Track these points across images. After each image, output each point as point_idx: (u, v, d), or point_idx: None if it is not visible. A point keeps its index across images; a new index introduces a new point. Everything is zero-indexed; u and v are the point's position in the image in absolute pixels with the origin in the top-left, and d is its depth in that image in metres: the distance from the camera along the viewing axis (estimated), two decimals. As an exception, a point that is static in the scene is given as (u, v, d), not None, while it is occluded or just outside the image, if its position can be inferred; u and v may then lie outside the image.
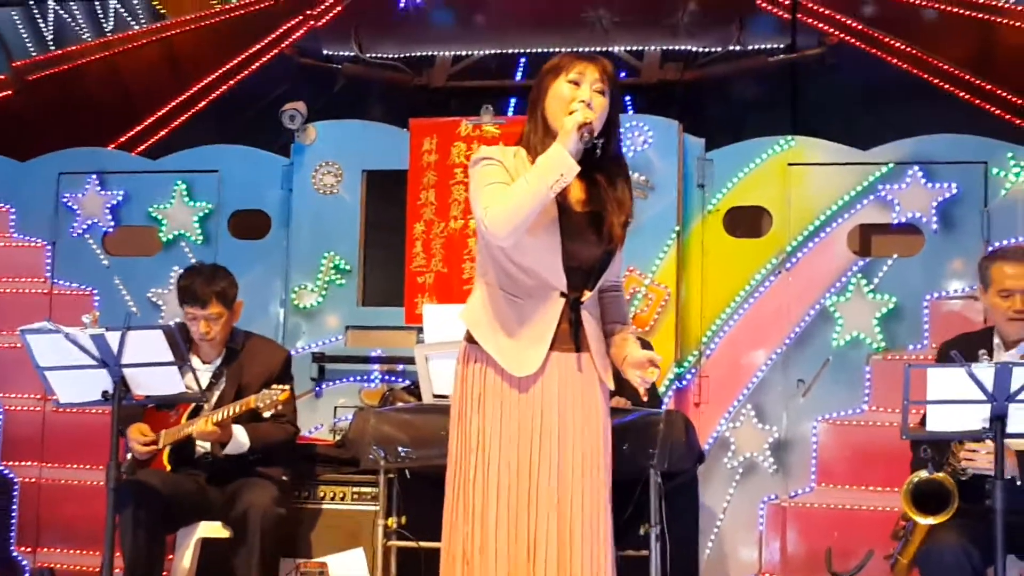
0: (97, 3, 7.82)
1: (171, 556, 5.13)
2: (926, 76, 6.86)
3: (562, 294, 3.61)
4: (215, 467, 5.08)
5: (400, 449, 4.48)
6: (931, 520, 4.32)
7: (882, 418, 5.85)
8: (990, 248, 5.60)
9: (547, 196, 3.48)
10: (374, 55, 7.52)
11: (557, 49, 7.14)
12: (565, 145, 3.48)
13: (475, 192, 3.60)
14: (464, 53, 7.43)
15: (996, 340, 4.53)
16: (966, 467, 4.25)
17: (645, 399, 3.88)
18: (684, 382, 6.10)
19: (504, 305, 3.62)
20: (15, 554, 6.51)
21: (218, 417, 4.87)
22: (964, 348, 4.36)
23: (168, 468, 5.03)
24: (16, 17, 7.83)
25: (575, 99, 3.55)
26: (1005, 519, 3.77)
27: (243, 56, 7.56)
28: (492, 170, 3.59)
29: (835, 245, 6.07)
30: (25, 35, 7.83)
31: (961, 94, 6.81)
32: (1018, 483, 3.98)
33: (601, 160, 3.62)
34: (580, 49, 7.11)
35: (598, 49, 7.20)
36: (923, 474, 4.36)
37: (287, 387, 4.95)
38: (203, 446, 5.10)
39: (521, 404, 3.60)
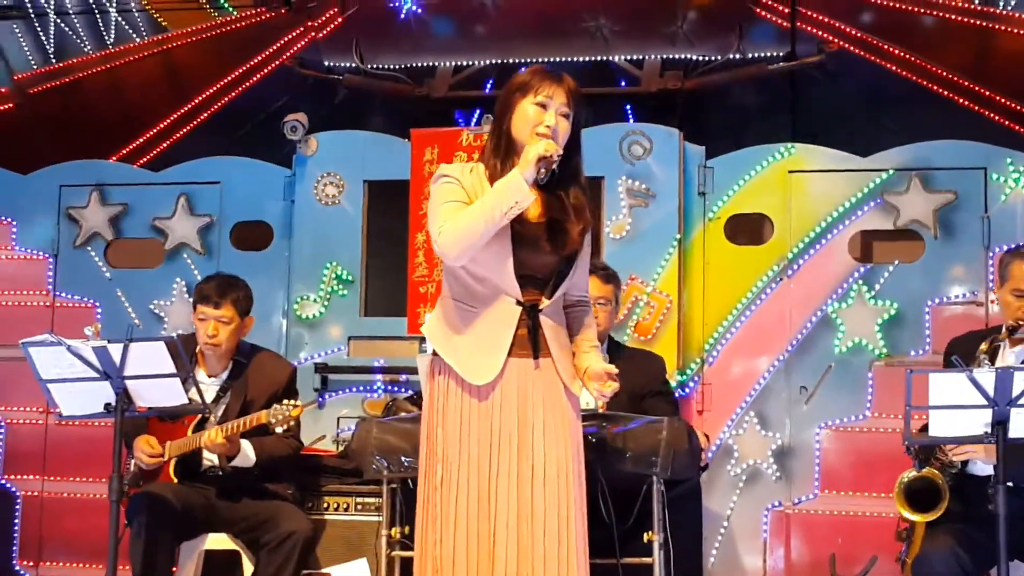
0: (98, 16, 7.83)
1: (175, 568, 5.13)
2: (925, 83, 6.87)
3: (518, 302, 3.64)
4: (225, 481, 5.09)
5: (403, 459, 4.48)
6: (925, 517, 4.35)
7: (885, 424, 5.85)
8: (1007, 247, 5.60)
9: (500, 221, 3.53)
10: (375, 66, 7.53)
11: (557, 58, 7.19)
12: (523, 173, 3.52)
13: (432, 210, 3.67)
14: (465, 63, 7.44)
15: (1004, 332, 4.52)
16: (956, 460, 4.28)
17: (603, 410, 3.92)
18: (687, 390, 6.10)
19: (462, 315, 3.69)
20: (17, 568, 6.51)
21: (228, 430, 4.89)
22: (973, 346, 4.37)
23: (175, 480, 5.05)
24: (18, 30, 7.85)
25: (540, 123, 3.58)
26: (1007, 524, 3.78)
27: (244, 68, 7.56)
28: (449, 189, 3.65)
29: (836, 252, 6.08)
30: (27, 48, 7.84)
31: (960, 100, 6.81)
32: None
33: (561, 174, 3.65)
34: (573, 58, 7.19)
35: (597, 58, 7.23)
36: (912, 473, 4.39)
37: (299, 403, 4.97)
38: (210, 459, 5.11)
39: (480, 412, 3.64)
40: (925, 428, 4.00)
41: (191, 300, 5.34)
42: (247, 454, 5.02)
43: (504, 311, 3.64)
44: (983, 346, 4.31)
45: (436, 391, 3.71)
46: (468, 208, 3.58)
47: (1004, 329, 4.47)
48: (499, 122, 3.68)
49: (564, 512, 3.60)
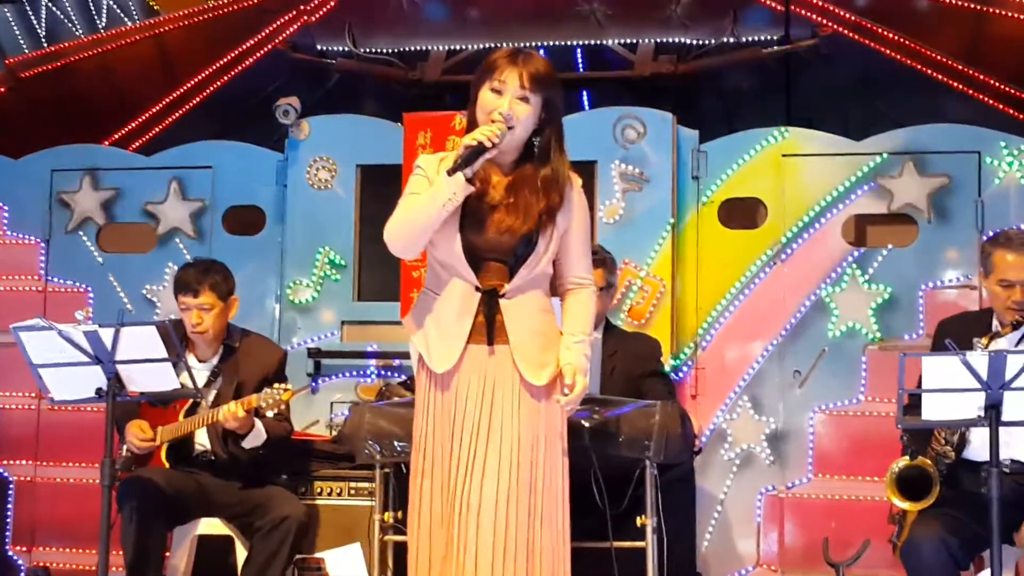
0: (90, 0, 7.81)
1: (167, 553, 5.12)
2: (919, 67, 6.86)
3: (477, 288, 3.61)
4: (217, 466, 5.09)
5: (396, 443, 4.47)
6: (915, 506, 4.35)
7: (878, 408, 5.85)
8: (991, 232, 5.59)
9: (439, 214, 3.51)
10: (368, 50, 7.51)
11: (551, 43, 7.17)
12: (463, 169, 3.48)
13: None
14: (458, 47, 7.41)
15: (995, 324, 4.52)
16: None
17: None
18: (680, 374, 6.10)
19: (429, 303, 3.68)
20: (10, 554, 6.51)
21: (246, 403, 4.87)
22: (962, 328, 4.37)
23: (166, 465, 5.04)
24: (9, 14, 7.82)
25: (495, 109, 3.55)
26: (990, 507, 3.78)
27: (237, 52, 7.54)
28: (415, 181, 3.65)
29: (830, 236, 6.07)
30: (18, 32, 7.81)
31: (954, 84, 6.81)
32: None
33: (539, 156, 3.62)
34: (567, 42, 7.17)
35: (590, 43, 7.21)
36: (905, 460, 4.39)
37: (289, 387, 4.97)
38: (202, 444, 5.11)
39: (444, 402, 3.63)
40: (914, 402, 3.99)
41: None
42: (260, 431, 5.02)
43: (463, 297, 3.61)
44: (983, 340, 4.27)
45: (418, 379, 3.73)
46: (412, 200, 3.58)
47: (1007, 324, 4.44)
48: (471, 110, 3.66)
49: (508, 507, 3.52)
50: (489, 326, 3.61)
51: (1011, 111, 6.66)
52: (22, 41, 7.82)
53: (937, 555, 4.18)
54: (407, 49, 7.48)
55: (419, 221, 3.54)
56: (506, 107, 3.55)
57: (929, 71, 6.85)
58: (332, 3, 7.46)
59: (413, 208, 3.57)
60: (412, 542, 3.66)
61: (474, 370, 3.61)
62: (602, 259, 5.27)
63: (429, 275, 3.72)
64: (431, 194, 3.53)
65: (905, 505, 4.38)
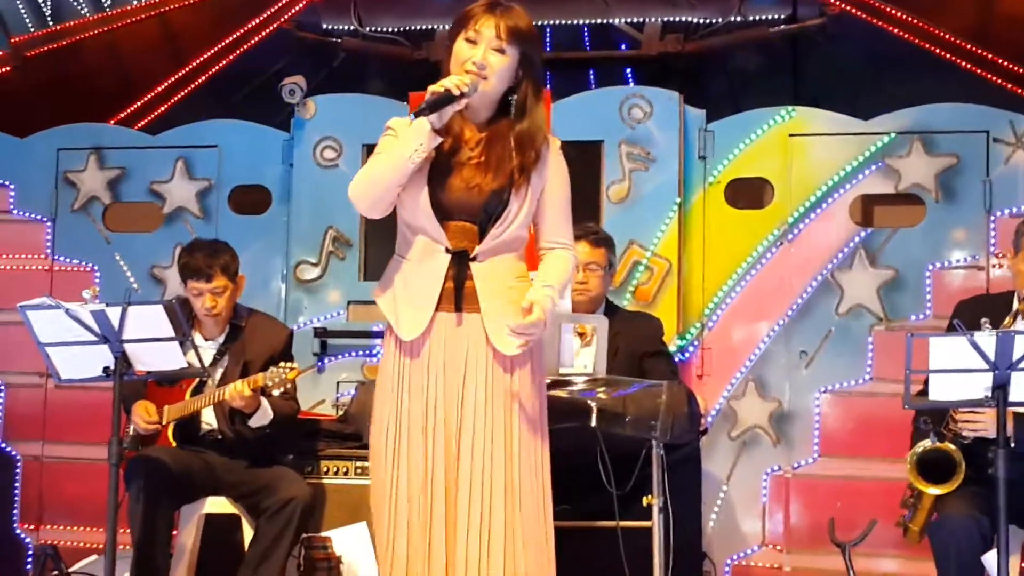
0: (95, -22, 7.78)
1: (175, 532, 5.14)
2: (927, 46, 6.82)
3: (447, 250, 3.48)
4: (223, 445, 5.09)
5: (402, 423, 4.47)
6: (938, 490, 4.34)
7: (885, 388, 5.84)
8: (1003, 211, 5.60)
9: (404, 167, 3.39)
10: (373, 29, 7.48)
11: (557, 21, 7.14)
12: (426, 114, 3.40)
13: None
14: (464, 26, 7.38)
15: (1016, 305, 4.51)
16: (967, 434, 4.27)
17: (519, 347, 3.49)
18: (687, 354, 6.09)
19: (400, 269, 3.54)
20: (18, 532, 6.53)
21: (253, 383, 4.87)
22: (983, 309, 4.35)
23: (173, 444, 5.05)
24: (14, -8, 7.80)
25: (468, 59, 3.45)
26: (1010, 489, 3.77)
27: (242, 31, 7.51)
28: (384, 141, 3.54)
29: (837, 216, 6.06)
30: (23, 11, 7.79)
31: (962, 63, 6.77)
32: (1012, 445, 3.95)
33: (515, 112, 3.51)
34: (574, 21, 7.13)
35: (597, 21, 7.18)
36: (927, 444, 4.38)
37: (296, 365, 4.97)
38: (208, 423, 5.11)
39: (412, 371, 3.49)
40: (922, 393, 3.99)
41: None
42: (266, 410, 5.03)
43: (431, 259, 3.48)
44: (1007, 320, 4.27)
45: (386, 347, 3.60)
46: (379, 157, 3.48)
47: (1016, 299, 4.44)
48: (444, 62, 3.56)
49: (483, 485, 3.41)
50: (458, 291, 3.48)
51: (1019, 91, 6.62)
52: (27, 20, 7.79)
53: (967, 532, 4.18)
54: (413, 28, 7.45)
55: (385, 175, 3.42)
56: (479, 57, 3.45)
57: (937, 50, 6.81)
58: (338, -18, 7.44)
59: (379, 163, 3.45)
60: (383, 521, 3.50)
61: (444, 339, 3.48)
62: (604, 238, 5.27)
63: (399, 240, 3.59)
64: (397, 147, 3.42)
65: (935, 490, 4.36)
